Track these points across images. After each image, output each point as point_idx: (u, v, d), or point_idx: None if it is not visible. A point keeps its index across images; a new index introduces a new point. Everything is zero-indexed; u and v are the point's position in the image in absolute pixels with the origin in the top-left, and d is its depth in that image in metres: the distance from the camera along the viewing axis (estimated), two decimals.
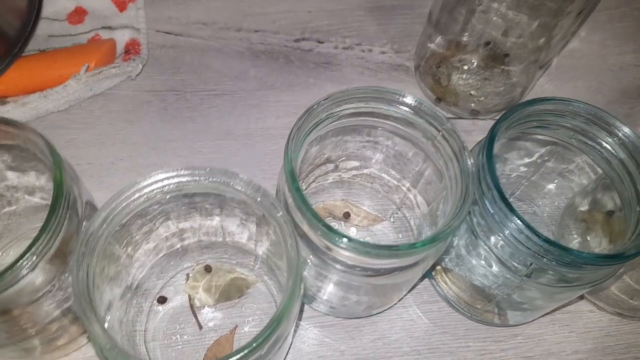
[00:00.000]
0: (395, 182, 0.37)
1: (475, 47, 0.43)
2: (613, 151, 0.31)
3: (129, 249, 0.29)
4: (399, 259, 0.27)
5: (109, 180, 0.38)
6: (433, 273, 0.36)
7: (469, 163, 0.27)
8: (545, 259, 0.27)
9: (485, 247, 0.30)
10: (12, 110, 0.39)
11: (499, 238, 0.28)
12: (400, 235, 0.38)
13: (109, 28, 0.45)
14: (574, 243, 0.37)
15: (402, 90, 0.29)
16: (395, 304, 0.36)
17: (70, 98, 0.41)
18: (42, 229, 0.23)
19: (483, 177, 0.28)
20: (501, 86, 0.44)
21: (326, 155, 0.35)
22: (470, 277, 0.33)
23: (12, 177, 0.31)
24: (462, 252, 0.33)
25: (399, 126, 0.31)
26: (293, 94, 0.44)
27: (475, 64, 0.44)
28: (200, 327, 0.33)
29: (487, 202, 0.28)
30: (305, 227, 0.26)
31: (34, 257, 0.23)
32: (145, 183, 0.24)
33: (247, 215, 0.30)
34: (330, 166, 0.36)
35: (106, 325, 0.22)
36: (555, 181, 0.38)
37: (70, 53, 0.42)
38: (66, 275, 0.26)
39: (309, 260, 0.29)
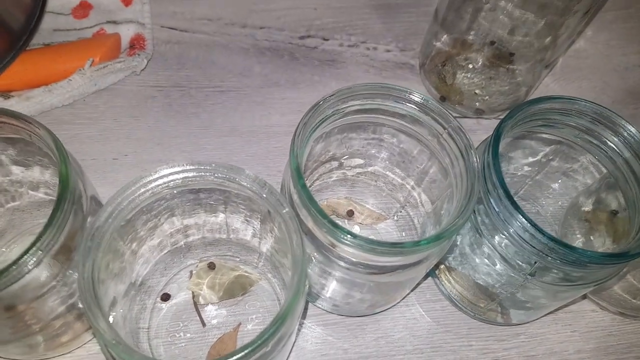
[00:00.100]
0: (399, 180, 0.37)
1: (481, 45, 0.43)
2: (618, 151, 0.31)
3: (134, 244, 0.29)
4: (404, 257, 0.27)
5: (113, 176, 0.38)
6: (436, 272, 0.36)
7: (475, 161, 0.27)
8: (549, 258, 0.27)
9: (490, 245, 0.30)
10: (16, 105, 0.39)
11: (504, 236, 0.28)
12: (404, 233, 0.38)
13: (114, 22, 0.45)
14: (577, 242, 0.37)
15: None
16: (399, 302, 0.36)
17: (75, 93, 0.40)
18: (48, 224, 0.23)
19: (488, 176, 0.28)
20: (506, 85, 0.44)
21: (331, 153, 0.35)
22: (473, 276, 0.33)
23: (16, 171, 0.31)
24: (466, 250, 0.33)
25: (405, 123, 0.31)
26: (298, 91, 0.44)
27: (480, 62, 0.44)
28: (204, 324, 0.33)
29: (492, 201, 0.28)
30: (310, 224, 0.26)
31: (39, 252, 0.22)
32: (151, 178, 0.24)
33: (251, 212, 0.30)
34: (335, 164, 0.36)
35: (110, 321, 0.22)
36: (560, 180, 0.38)
37: (75, 47, 0.42)
38: (71, 271, 0.26)
39: (313, 258, 0.29)
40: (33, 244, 0.22)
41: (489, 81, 0.44)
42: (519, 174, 0.38)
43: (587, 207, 0.36)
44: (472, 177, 0.27)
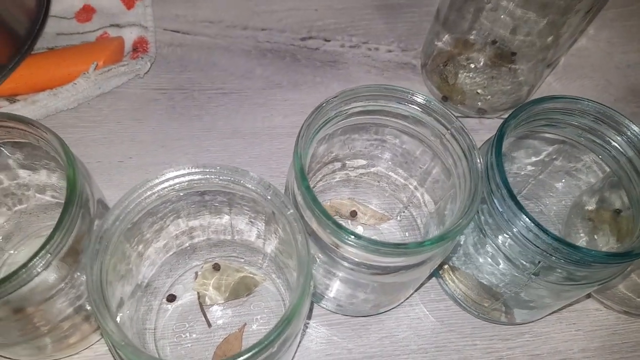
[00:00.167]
0: (402, 180, 0.37)
1: (482, 45, 0.43)
2: (621, 149, 0.31)
3: (140, 246, 0.29)
4: (407, 257, 0.27)
5: (118, 178, 0.39)
6: (440, 272, 0.37)
7: (479, 162, 0.27)
8: (553, 257, 0.27)
9: (493, 245, 0.30)
10: (21, 108, 0.39)
11: (507, 236, 0.28)
12: (407, 234, 0.38)
13: (117, 26, 0.45)
14: (581, 242, 0.37)
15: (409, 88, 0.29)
16: (402, 302, 0.36)
17: (79, 96, 0.41)
18: (56, 227, 0.23)
19: (492, 176, 0.28)
20: (508, 85, 0.44)
21: (334, 154, 0.35)
22: (477, 276, 0.34)
23: (23, 175, 0.32)
24: (469, 250, 0.33)
25: (408, 124, 0.31)
26: (299, 93, 0.45)
27: (482, 62, 0.44)
28: (210, 325, 0.33)
29: (495, 201, 0.28)
30: (314, 225, 0.27)
31: (48, 255, 0.23)
32: (157, 181, 0.25)
33: (256, 214, 0.30)
34: (338, 165, 0.36)
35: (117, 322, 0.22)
36: (563, 180, 0.38)
37: (79, 51, 0.42)
38: (78, 273, 0.27)
39: (317, 259, 0.29)
40: (42, 247, 0.23)
41: (491, 81, 0.44)
42: (522, 173, 0.38)
43: (591, 206, 0.36)
44: (476, 178, 0.27)
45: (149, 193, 0.25)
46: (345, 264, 0.28)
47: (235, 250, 0.34)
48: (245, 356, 0.21)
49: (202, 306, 0.34)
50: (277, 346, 0.23)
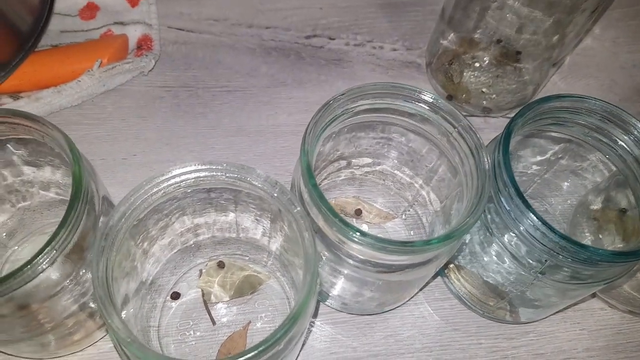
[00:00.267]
0: (407, 179, 0.37)
1: (487, 44, 0.43)
2: (628, 148, 0.31)
3: (145, 244, 0.29)
4: (414, 256, 0.27)
5: (122, 176, 0.39)
6: (446, 270, 0.36)
7: (486, 160, 0.27)
8: (560, 256, 0.27)
9: (500, 244, 0.30)
10: (25, 105, 0.39)
11: (514, 235, 0.28)
12: (412, 232, 0.38)
13: (121, 24, 0.45)
14: (586, 241, 0.37)
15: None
16: (407, 301, 0.36)
17: (84, 94, 0.41)
18: (62, 224, 0.23)
19: (499, 174, 0.28)
20: (513, 84, 0.44)
21: (339, 152, 0.35)
22: (483, 274, 0.33)
23: (27, 171, 0.31)
24: (475, 249, 0.33)
25: (414, 122, 0.31)
26: (304, 91, 0.44)
27: (487, 61, 0.44)
28: (214, 322, 0.33)
29: (502, 199, 0.28)
30: (321, 222, 0.26)
31: (54, 252, 0.23)
32: (163, 178, 0.24)
33: (261, 211, 0.30)
34: (343, 163, 0.36)
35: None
36: (569, 179, 0.38)
37: (83, 48, 0.42)
38: (83, 270, 0.26)
39: (323, 256, 0.29)
40: (47, 244, 0.22)
41: (496, 80, 0.44)
42: (528, 172, 0.38)
43: (596, 205, 0.36)
44: (483, 177, 0.27)
45: (155, 190, 0.24)
46: (351, 261, 0.28)
47: (240, 248, 0.34)
48: (252, 354, 0.21)
49: (206, 304, 0.33)
50: (284, 344, 0.23)
